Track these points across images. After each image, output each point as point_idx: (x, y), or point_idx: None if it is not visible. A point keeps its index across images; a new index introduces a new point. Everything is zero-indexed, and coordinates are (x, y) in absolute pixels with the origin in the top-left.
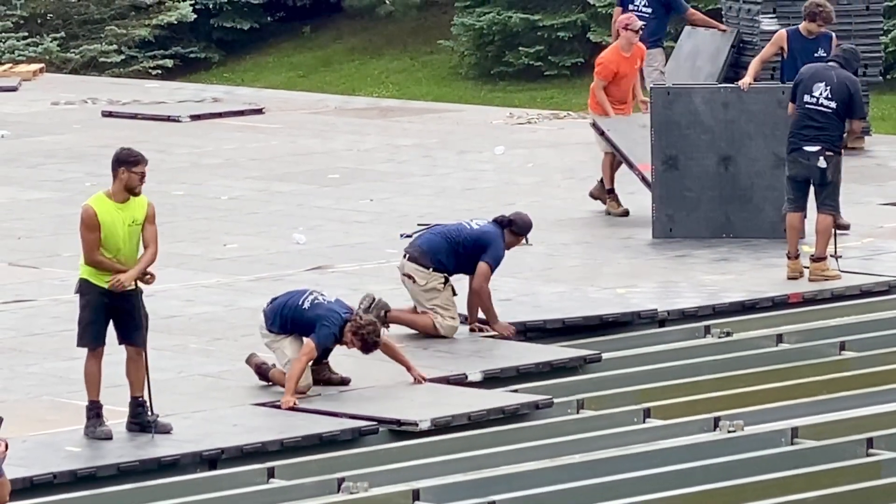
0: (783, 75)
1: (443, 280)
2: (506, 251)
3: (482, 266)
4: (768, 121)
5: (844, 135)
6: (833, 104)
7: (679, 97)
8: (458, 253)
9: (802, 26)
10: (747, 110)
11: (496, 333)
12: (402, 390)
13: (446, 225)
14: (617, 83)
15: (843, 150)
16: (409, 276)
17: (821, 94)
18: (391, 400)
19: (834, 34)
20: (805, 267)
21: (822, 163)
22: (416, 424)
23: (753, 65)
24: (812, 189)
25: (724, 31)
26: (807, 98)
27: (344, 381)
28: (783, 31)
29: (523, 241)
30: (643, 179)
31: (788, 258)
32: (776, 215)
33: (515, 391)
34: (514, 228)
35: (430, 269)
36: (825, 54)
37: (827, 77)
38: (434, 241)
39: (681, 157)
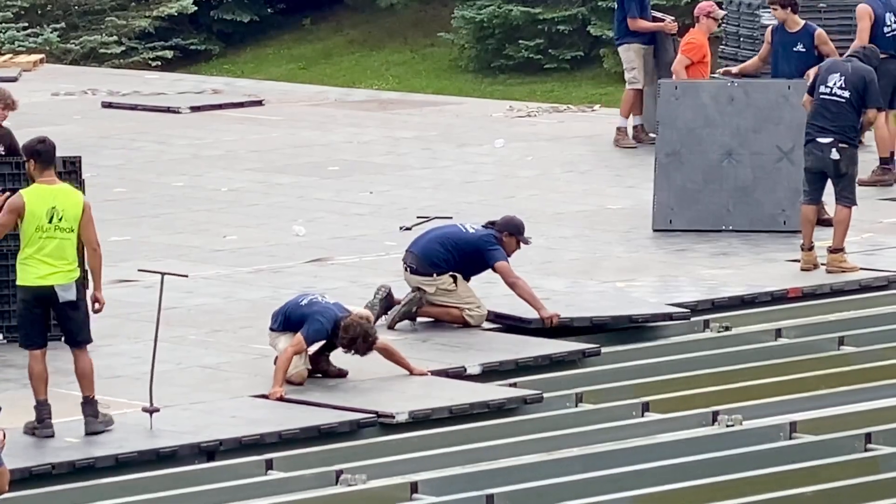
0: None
1: (451, 279)
2: (508, 256)
3: (500, 266)
4: (773, 115)
5: (859, 126)
6: (846, 93)
7: (687, 92)
8: (454, 257)
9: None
10: (753, 105)
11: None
12: (397, 383)
13: (442, 228)
14: (696, 67)
15: (858, 144)
16: (419, 289)
17: (835, 83)
18: (382, 392)
19: (819, 28)
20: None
21: (834, 154)
22: (393, 417)
23: (751, 62)
24: (830, 181)
25: (671, 32)
26: (822, 89)
27: (341, 374)
28: (771, 27)
29: (522, 241)
30: None
31: (802, 249)
32: (776, 209)
33: (514, 384)
34: (511, 229)
35: (434, 275)
36: (804, 49)
37: (842, 68)
38: (430, 248)
39: (684, 149)
